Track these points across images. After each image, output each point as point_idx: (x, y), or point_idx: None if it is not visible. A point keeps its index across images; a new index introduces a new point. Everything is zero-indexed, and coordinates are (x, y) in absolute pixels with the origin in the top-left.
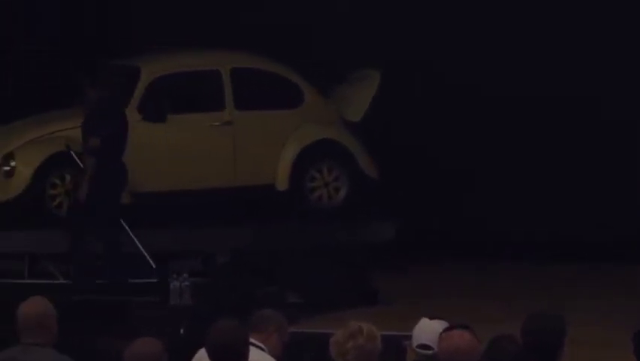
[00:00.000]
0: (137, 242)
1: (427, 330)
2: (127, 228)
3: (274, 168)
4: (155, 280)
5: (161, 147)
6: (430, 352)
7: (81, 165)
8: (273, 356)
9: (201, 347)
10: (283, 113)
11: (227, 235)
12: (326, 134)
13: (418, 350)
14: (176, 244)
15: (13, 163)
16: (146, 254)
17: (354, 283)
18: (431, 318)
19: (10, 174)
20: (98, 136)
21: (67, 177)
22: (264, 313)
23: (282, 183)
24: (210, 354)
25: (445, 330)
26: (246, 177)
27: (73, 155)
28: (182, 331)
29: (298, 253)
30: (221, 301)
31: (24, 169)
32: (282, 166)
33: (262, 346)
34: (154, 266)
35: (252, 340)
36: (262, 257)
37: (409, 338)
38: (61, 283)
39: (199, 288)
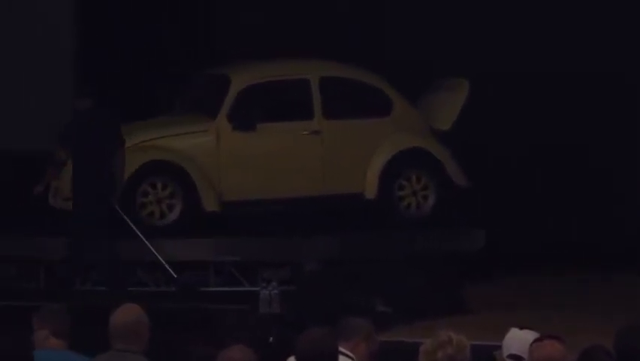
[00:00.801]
0: (154, 251)
1: (518, 340)
2: (142, 236)
3: (363, 177)
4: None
5: (250, 155)
6: None
7: None
8: None
9: (290, 356)
10: (372, 121)
11: (316, 243)
12: (415, 143)
13: (508, 360)
14: (265, 253)
15: None
16: (165, 263)
17: (443, 292)
18: (521, 328)
19: None
20: (66, 147)
21: (159, 186)
22: (352, 322)
23: (370, 192)
24: None
25: (536, 340)
26: (335, 185)
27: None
28: (271, 339)
29: (386, 261)
30: (309, 310)
31: None
32: (370, 175)
33: (351, 355)
34: (175, 276)
35: (340, 348)
36: (351, 266)
37: (499, 348)
38: (159, 290)
39: (288, 296)
